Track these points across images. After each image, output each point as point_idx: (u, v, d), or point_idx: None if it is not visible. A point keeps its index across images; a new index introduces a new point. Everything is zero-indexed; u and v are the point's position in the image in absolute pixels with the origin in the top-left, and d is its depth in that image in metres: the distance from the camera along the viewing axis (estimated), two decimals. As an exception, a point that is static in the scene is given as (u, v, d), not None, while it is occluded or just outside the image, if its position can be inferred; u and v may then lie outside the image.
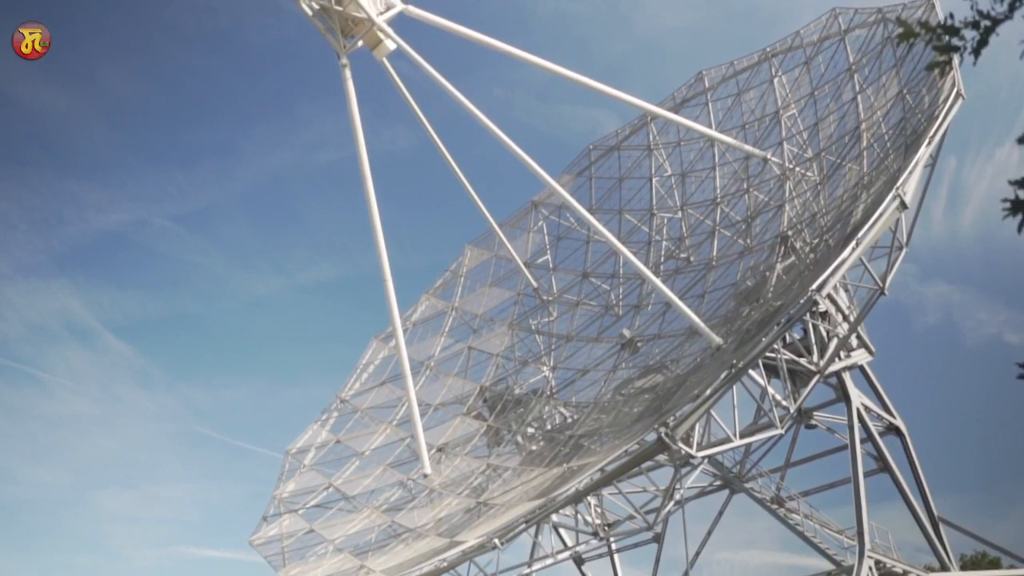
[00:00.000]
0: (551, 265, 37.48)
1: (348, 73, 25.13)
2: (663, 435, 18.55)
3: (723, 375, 19.28)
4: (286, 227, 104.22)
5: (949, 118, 19.55)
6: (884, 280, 21.23)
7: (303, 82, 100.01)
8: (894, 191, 19.00)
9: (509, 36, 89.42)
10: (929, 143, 19.54)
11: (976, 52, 3.78)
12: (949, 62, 3.83)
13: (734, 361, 19.12)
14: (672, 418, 19.51)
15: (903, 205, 19.41)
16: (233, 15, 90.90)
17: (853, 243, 19.16)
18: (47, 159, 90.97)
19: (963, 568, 36.52)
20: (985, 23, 3.64)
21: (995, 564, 34.87)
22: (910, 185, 19.72)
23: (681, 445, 18.83)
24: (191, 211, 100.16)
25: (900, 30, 3.78)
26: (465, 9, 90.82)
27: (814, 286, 18.72)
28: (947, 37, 3.61)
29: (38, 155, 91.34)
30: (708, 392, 19.30)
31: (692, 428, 19.85)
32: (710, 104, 34.56)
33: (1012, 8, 3.51)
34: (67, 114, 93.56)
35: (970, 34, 3.68)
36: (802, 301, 19.40)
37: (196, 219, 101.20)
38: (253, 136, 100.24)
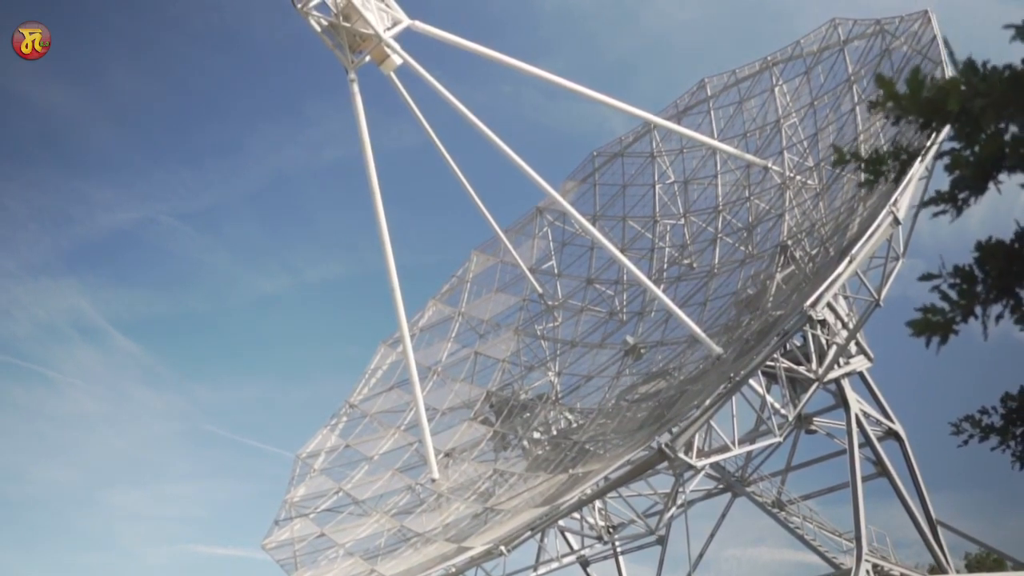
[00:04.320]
0: (556, 271, 38.07)
1: (356, 88, 25.76)
2: (663, 446, 19.14)
3: (722, 387, 19.82)
4: (293, 225, 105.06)
5: (941, 136, 19.97)
6: (880, 291, 21.72)
7: (310, 80, 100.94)
8: (887, 207, 19.51)
9: (516, 32, 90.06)
10: (922, 159, 20.00)
11: (897, 180, 4.38)
12: (876, 181, 4.42)
13: (731, 374, 19.66)
14: (674, 428, 20.11)
15: (896, 221, 19.92)
16: (240, 13, 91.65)
17: (847, 259, 19.66)
18: (54, 158, 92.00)
19: (968, 568, 37.00)
20: (903, 156, 4.24)
21: (999, 564, 35.28)
22: (904, 201, 20.22)
23: (681, 456, 19.40)
24: (198, 209, 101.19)
25: (834, 156, 4.35)
26: (473, 6, 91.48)
27: (808, 303, 19.25)
28: (872, 166, 4.19)
29: (45, 154, 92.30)
30: (708, 403, 19.86)
31: (692, 437, 20.46)
32: (712, 112, 35.10)
33: (928, 149, 4.10)
34: (74, 113, 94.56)
35: (892, 163, 4.27)
36: (796, 317, 19.91)
37: (203, 217, 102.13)
38: (260, 134, 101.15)
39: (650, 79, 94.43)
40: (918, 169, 20.89)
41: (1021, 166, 3.71)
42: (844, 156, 4.34)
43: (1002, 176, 3.81)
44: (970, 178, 3.78)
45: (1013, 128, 3.62)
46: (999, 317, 4.04)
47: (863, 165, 4.22)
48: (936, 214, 3.88)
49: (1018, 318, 4.07)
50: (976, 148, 3.71)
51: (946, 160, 3.95)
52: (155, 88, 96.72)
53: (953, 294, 3.92)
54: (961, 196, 3.86)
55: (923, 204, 3.85)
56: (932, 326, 3.91)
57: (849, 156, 4.33)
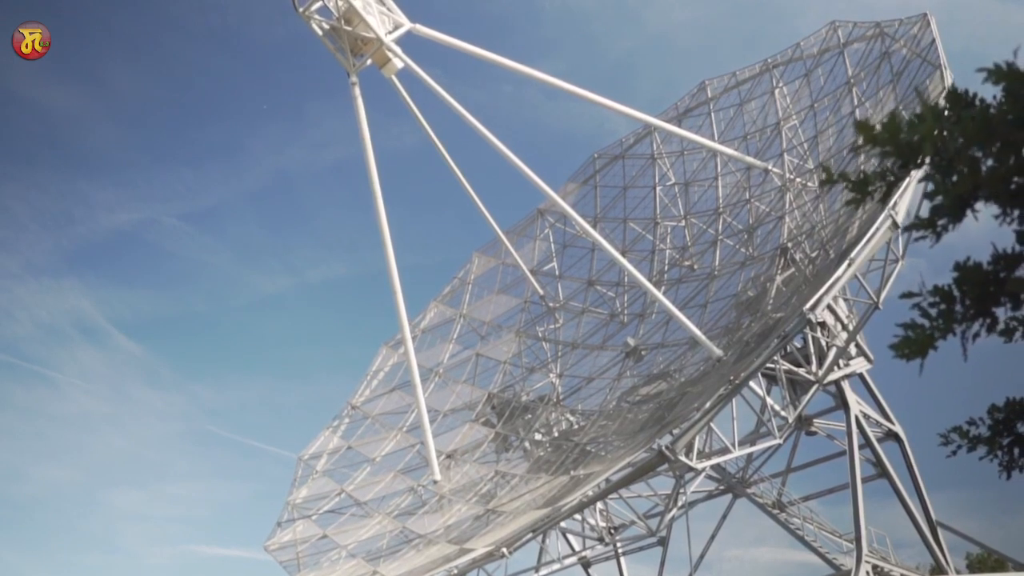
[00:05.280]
0: (557, 272, 38.17)
1: (358, 91, 25.91)
2: (664, 448, 19.26)
3: (722, 389, 19.94)
4: (295, 225, 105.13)
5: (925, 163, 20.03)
6: (879, 294, 21.80)
7: (312, 80, 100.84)
8: (886, 211, 19.59)
9: (518, 32, 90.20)
10: (921, 163, 20.05)
11: (883, 200, 4.53)
12: (863, 200, 4.55)
13: (732, 377, 19.77)
14: (674, 432, 20.23)
15: (895, 225, 20.00)
16: (241, 13, 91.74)
17: (847, 262, 19.76)
18: (56, 159, 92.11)
19: (969, 568, 37.04)
20: (889, 178, 4.37)
21: (1000, 564, 35.30)
22: (903, 204, 20.31)
23: (682, 458, 19.52)
24: (200, 210, 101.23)
25: (823, 175, 4.48)
26: (475, 6, 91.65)
27: (807, 306, 19.35)
28: (859, 187, 4.33)
29: (47, 155, 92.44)
30: (707, 405, 19.98)
31: (693, 439, 20.59)
32: (712, 114, 35.22)
33: (911, 169, 4.25)
34: (76, 113, 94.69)
35: (879, 184, 4.40)
36: (795, 321, 20.02)
37: (205, 218, 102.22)
38: (262, 134, 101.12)
39: (652, 79, 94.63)
40: (917, 173, 20.95)
41: (995, 197, 3.86)
42: (832, 176, 4.47)
43: (979, 205, 3.97)
44: (948, 207, 3.93)
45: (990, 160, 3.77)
46: (976, 336, 4.18)
47: (850, 185, 4.35)
48: (917, 239, 4.02)
49: (1001, 331, 4.20)
50: (954, 178, 3.86)
51: (928, 186, 4.10)
52: (157, 89, 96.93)
53: (933, 312, 4.06)
54: (940, 223, 4.00)
55: (905, 229, 4.01)
56: (912, 344, 4.04)
57: (837, 176, 4.46)
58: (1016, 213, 3.91)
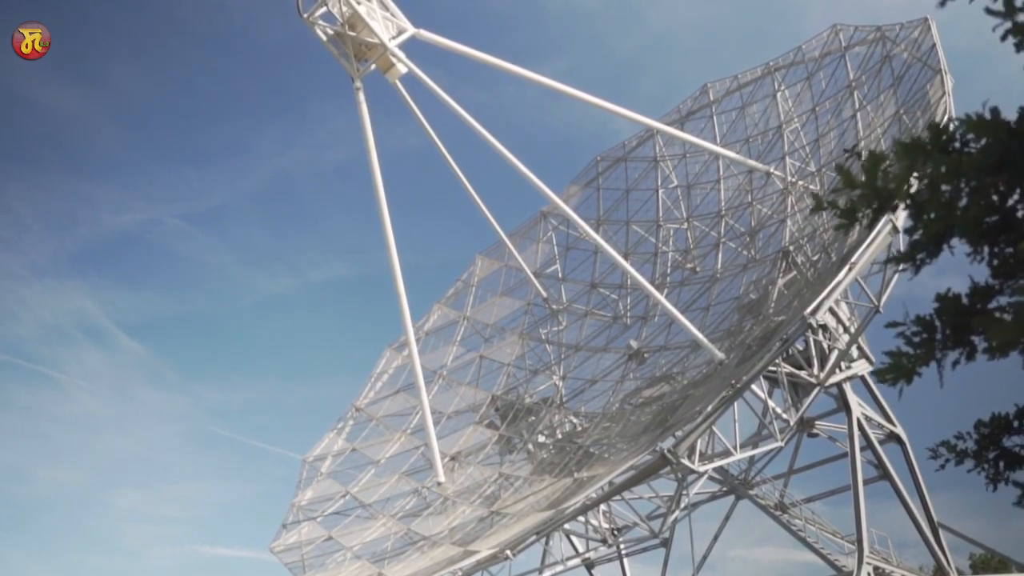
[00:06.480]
0: (560, 275, 38.32)
1: (362, 96, 26.07)
2: (666, 452, 19.42)
3: (724, 392, 20.10)
4: (298, 226, 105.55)
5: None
6: (880, 297, 21.95)
7: (315, 81, 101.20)
8: (886, 216, 19.67)
9: (521, 31, 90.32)
10: (895, 207, 20.14)
11: (870, 227, 4.73)
12: (851, 225, 4.74)
13: (732, 381, 19.93)
14: (676, 434, 20.40)
15: (895, 229, 20.11)
16: (245, 14, 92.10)
17: (848, 266, 19.90)
18: (59, 160, 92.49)
19: (972, 568, 37.14)
20: (874, 205, 4.56)
21: (1004, 565, 35.32)
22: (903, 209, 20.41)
23: (684, 461, 19.68)
24: (203, 211, 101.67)
25: (814, 203, 4.66)
26: (478, 5, 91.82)
27: (808, 310, 19.50)
28: (847, 215, 4.53)
29: (50, 156, 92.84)
30: (710, 408, 20.14)
31: (695, 442, 20.76)
32: (715, 117, 35.37)
33: (885, 212, 4.46)
34: (79, 115, 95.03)
35: (865, 211, 4.59)
36: (797, 324, 20.18)
37: (208, 219, 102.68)
38: (265, 135, 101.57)
39: (656, 78, 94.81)
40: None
41: (967, 236, 4.05)
42: (823, 204, 4.66)
43: (955, 241, 4.18)
44: (925, 243, 4.13)
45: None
46: (955, 363, 4.37)
47: (838, 212, 4.54)
48: (897, 271, 4.21)
49: (984, 349, 4.38)
50: (932, 214, 4.05)
51: (908, 222, 4.28)
52: (160, 90, 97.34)
53: (916, 340, 4.25)
54: (919, 257, 4.20)
55: (886, 261, 4.19)
56: (897, 371, 4.25)
57: (827, 204, 4.65)
58: (986, 251, 4.10)
